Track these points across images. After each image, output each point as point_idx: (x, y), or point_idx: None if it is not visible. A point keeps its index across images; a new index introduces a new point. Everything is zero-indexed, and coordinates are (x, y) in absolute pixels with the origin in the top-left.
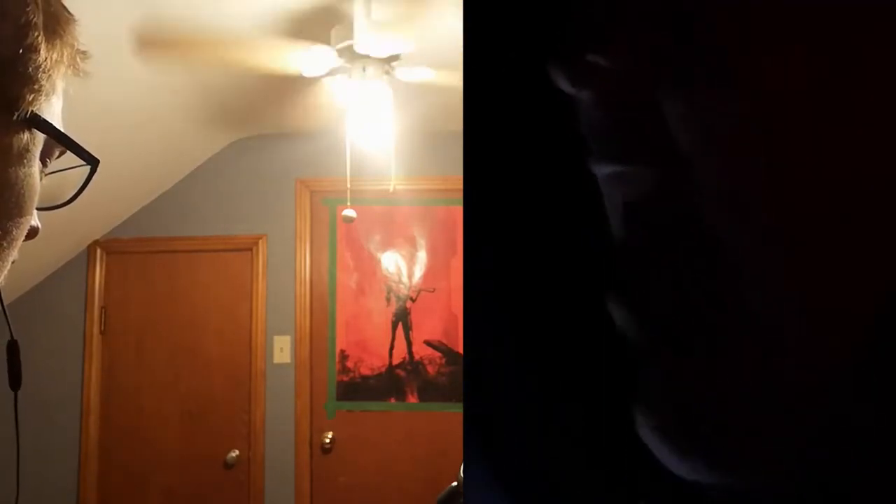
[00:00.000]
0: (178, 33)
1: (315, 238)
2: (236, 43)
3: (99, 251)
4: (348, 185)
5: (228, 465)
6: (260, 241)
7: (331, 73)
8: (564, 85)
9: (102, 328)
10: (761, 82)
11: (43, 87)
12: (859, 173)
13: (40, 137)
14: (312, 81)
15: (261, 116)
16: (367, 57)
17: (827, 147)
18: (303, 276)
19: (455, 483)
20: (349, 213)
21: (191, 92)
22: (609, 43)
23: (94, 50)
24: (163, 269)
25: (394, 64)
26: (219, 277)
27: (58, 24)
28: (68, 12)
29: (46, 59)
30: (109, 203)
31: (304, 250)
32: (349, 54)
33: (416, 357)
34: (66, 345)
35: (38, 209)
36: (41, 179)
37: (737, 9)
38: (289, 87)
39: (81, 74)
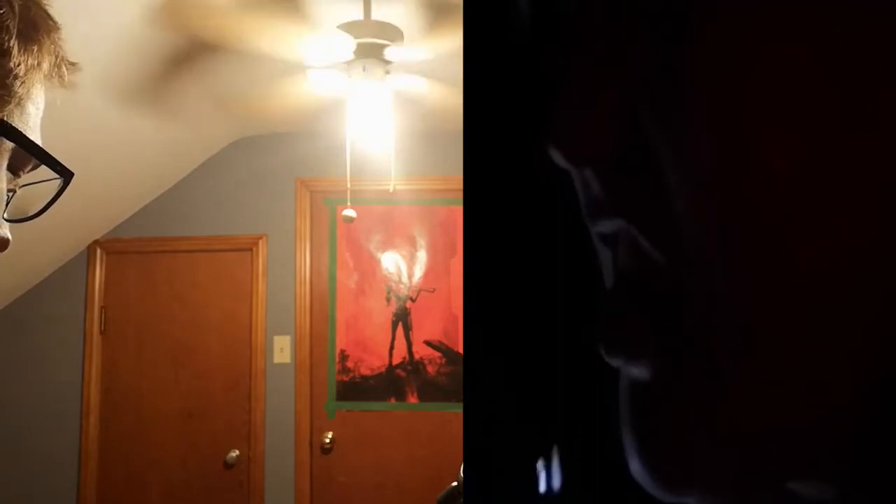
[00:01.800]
0: (235, 101)
1: (315, 238)
2: (241, 14)
3: (99, 251)
4: (348, 185)
5: (228, 465)
6: (260, 241)
7: (331, 66)
8: (561, 161)
9: (102, 328)
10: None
11: (14, 93)
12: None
13: (7, 146)
14: (312, 80)
15: (261, 116)
16: (368, 57)
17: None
18: (303, 276)
19: (455, 483)
20: (349, 213)
21: (191, 92)
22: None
23: (95, 49)
24: (163, 269)
25: (394, 64)
26: (219, 277)
27: (36, 30)
28: (52, 20)
29: (20, 64)
30: (109, 203)
31: (304, 250)
32: (352, 49)
33: (416, 357)
34: (66, 345)
35: (7, 220)
36: (15, 191)
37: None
38: (289, 86)
39: (68, 86)
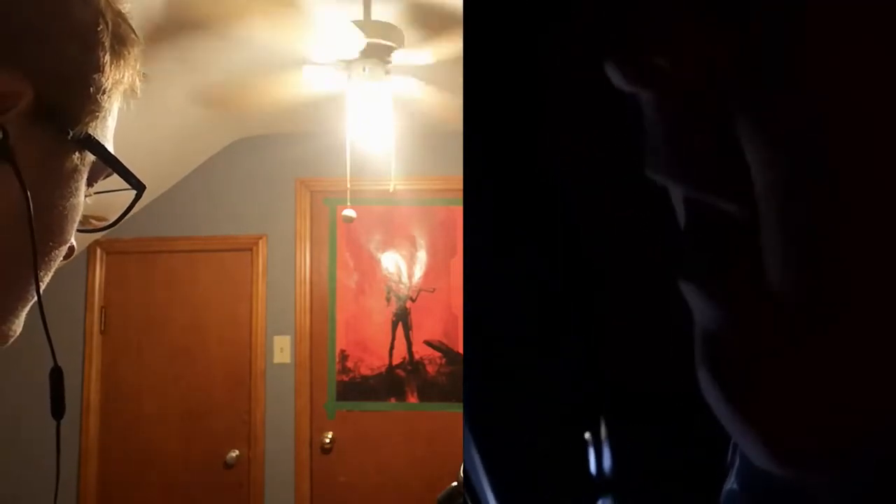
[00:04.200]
0: (229, 92)
1: (315, 238)
2: (265, 84)
3: (99, 251)
4: (348, 185)
5: (228, 465)
6: (260, 241)
7: (331, 66)
8: (621, 82)
9: (102, 328)
10: (832, 88)
11: (102, 108)
12: None
13: (90, 159)
14: (312, 79)
15: (261, 116)
16: (369, 57)
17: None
18: (303, 276)
19: (455, 483)
20: (349, 213)
21: (191, 92)
22: (671, 43)
23: None
24: (163, 269)
25: (394, 63)
26: (219, 277)
27: (124, 45)
28: (135, 34)
29: (109, 79)
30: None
31: (304, 250)
32: (353, 49)
33: (416, 357)
34: (66, 345)
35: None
36: (85, 200)
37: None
38: (289, 84)
39: (139, 96)
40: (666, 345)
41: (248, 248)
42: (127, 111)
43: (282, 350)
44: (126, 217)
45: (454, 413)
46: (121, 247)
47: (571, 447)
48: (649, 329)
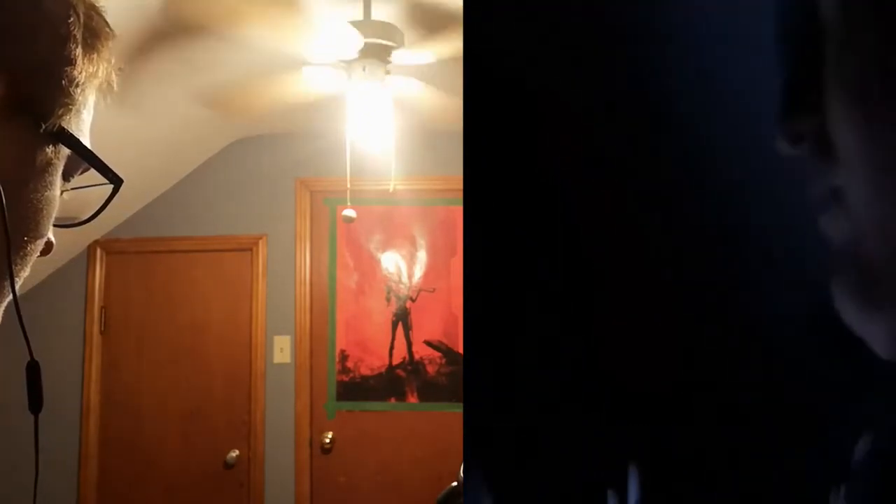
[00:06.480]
0: (228, 92)
1: (315, 238)
2: (264, 85)
3: (99, 251)
4: (348, 185)
5: (228, 465)
6: (260, 241)
7: (331, 66)
8: None
9: (102, 328)
10: None
11: (75, 101)
12: None
13: (64, 152)
14: (312, 79)
15: (261, 116)
16: (368, 57)
17: None
18: (303, 276)
19: (455, 483)
20: (349, 213)
21: (190, 92)
22: None
23: None
24: (163, 269)
25: (394, 63)
26: (219, 277)
27: (97, 38)
28: (109, 27)
29: (82, 72)
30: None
31: (304, 250)
32: (353, 48)
33: (416, 357)
34: (66, 345)
35: (54, 225)
36: (61, 195)
37: None
38: (288, 84)
39: (116, 89)
40: (666, 344)
41: (248, 248)
42: (128, 111)
43: (282, 350)
44: (103, 211)
45: (454, 413)
46: (121, 247)
47: (571, 446)
48: (649, 329)
